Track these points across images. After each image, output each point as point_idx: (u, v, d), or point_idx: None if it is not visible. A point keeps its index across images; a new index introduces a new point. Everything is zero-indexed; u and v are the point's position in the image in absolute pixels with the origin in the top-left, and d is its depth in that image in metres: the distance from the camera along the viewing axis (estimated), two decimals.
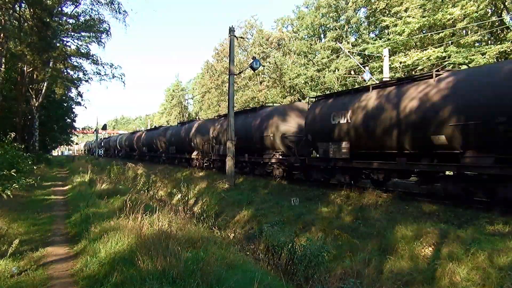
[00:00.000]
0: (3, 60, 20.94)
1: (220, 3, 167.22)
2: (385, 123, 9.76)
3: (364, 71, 22.15)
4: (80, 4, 24.73)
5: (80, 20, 25.45)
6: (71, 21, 25.51)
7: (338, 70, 34.89)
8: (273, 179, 15.14)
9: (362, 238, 7.51)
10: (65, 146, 79.74)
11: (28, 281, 4.53)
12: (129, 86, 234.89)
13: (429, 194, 9.75)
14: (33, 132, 28.64)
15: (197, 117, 58.37)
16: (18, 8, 20.99)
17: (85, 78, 30.61)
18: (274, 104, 20.13)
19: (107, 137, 67.59)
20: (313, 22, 39.62)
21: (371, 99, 10.50)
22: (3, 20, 19.38)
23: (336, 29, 38.41)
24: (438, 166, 8.94)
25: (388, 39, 26.93)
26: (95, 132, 62.88)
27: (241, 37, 25.15)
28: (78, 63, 29.96)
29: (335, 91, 32.76)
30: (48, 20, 19.78)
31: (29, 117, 29.02)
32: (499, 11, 24.02)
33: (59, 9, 23.21)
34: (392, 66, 24.81)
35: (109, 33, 26.74)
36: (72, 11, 25.27)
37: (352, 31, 39.71)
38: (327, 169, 12.65)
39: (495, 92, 7.39)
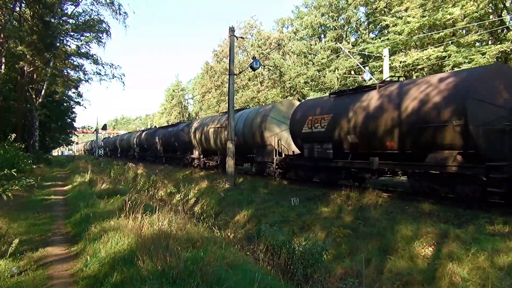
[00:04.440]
0: (3, 60, 20.96)
1: (221, 3, 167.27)
2: None
3: (364, 71, 22.16)
4: (79, 4, 24.78)
5: (80, 20, 25.48)
6: (71, 21, 25.53)
7: (338, 69, 34.92)
8: (273, 179, 15.12)
9: (362, 238, 7.51)
10: (65, 146, 79.72)
11: (28, 281, 4.53)
12: (129, 86, 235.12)
13: (429, 194, 9.74)
14: (33, 132, 28.65)
15: (197, 117, 58.27)
16: (18, 8, 21.00)
17: (85, 78, 30.63)
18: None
19: (112, 136, 66.83)
20: (312, 22, 39.64)
21: None
22: (3, 20, 19.39)
23: (336, 29, 38.43)
24: None
25: (388, 39, 26.93)
26: (95, 132, 62.85)
27: (241, 37, 25.15)
28: (78, 63, 30.01)
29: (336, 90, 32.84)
30: (48, 19, 19.79)
31: (29, 117, 29.01)
32: (499, 11, 24.02)
33: (60, 9, 23.21)
34: (392, 65, 24.82)
35: (109, 33, 26.80)
36: (73, 11, 25.34)
37: (352, 31, 39.76)
38: None
39: None
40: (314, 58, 39.03)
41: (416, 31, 24.86)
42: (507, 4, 23.64)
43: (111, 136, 65.65)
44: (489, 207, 8.03)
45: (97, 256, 5.11)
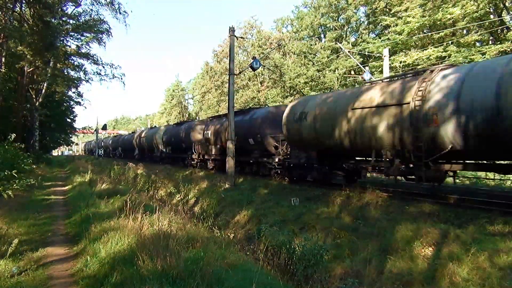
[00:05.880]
0: (3, 60, 20.96)
1: (221, 4, 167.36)
2: None
3: (364, 71, 22.16)
4: (80, 5, 24.81)
5: (81, 20, 25.50)
6: (71, 21, 25.56)
7: (338, 69, 34.95)
8: (273, 179, 15.13)
9: (362, 238, 7.50)
10: (65, 146, 79.77)
11: (28, 281, 4.53)
12: (129, 86, 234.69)
13: (429, 194, 9.75)
14: (33, 132, 28.66)
15: (197, 117, 58.21)
16: (18, 8, 21.01)
17: (85, 78, 30.63)
18: None
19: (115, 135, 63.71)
20: (312, 22, 39.68)
21: None
22: (3, 20, 19.39)
23: (336, 29, 38.47)
24: None
25: (388, 39, 26.95)
26: (95, 132, 62.82)
27: (241, 37, 25.10)
28: (78, 63, 30.02)
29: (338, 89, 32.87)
30: (48, 19, 19.80)
31: (29, 117, 29.03)
32: (499, 11, 24.03)
33: (60, 9, 23.23)
34: (392, 65, 24.83)
35: (109, 33, 26.82)
36: (73, 11, 25.37)
37: (352, 31, 39.79)
38: None
39: None
40: (314, 58, 39.06)
41: (416, 31, 24.87)
42: (507, 4, 23.65)
43: (125, 134, 61.20)
44: (490, 207, 8.04)
45: (97, 256, 5.12)
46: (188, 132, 24.81)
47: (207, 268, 3.98)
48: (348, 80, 33.92)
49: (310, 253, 5.40)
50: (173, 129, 29.21)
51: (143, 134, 37.30)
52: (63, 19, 24.75)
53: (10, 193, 7.95)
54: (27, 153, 16.84)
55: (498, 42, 22.70)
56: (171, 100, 75.75)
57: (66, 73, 30.28)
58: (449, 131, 8.09)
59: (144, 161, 34.39)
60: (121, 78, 29.88)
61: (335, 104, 11.65)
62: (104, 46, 28.01)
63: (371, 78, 22.90)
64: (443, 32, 23.61)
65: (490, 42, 24.41)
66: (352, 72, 34.29)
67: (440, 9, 23.40)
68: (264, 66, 35.45)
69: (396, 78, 10.74)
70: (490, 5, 22.92)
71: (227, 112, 17.07)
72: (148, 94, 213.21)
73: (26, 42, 20.27)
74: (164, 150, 30.07)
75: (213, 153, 20.58)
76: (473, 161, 9.01)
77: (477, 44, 24.29)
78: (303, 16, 42.32)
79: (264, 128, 15.74)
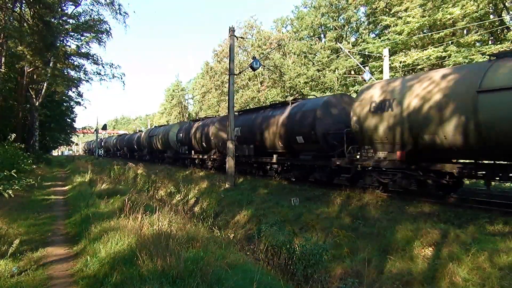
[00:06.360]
0: (3, 60, 20.97)
1: (221, 4, 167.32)
2: None
3: (364, 71, 22.15)
4: (80, 4, 24.82)
5: (81, 20, 25.53)
6: (71, 21, 25.58)
7: (338, 69, 34.98)
8: (273, 179, 15.13)
9: (362, 238, 7.50)
10: (65, 146, 79.74)
11: (28, 281, 4.53)
12: (129, 86, 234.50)
13: (429, 194, 9.74)
14: (33, 132, 28.66)
15: (197, 117, 58.08)
16: (18, 9, 21.02)
17: (85, 78, 30.63)
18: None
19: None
20: (312, 22, 39.70)
21: None
22: (3, 20, 19.40)
23: (336, 29, 38.50)
24: None
25: (388, 39, 26.96)
26: (95, 132, 62.76)
27: (241, 37, 25.05)
28: (78, 63, 30.02)
29: (336, 91, 32.79)
30: (48, 19, 19.81)
31: (29, 117, 29.03)
32: (499, 11, 24.03)
33: (60, 9, 23.23)
34: (392, 65, 24.83)
35: (109, 33, 26.83)
36: (73, 11, 25.38)
37: (352, 31, 39.82)
38: None
39: None
40: (314, 58, 39.09)
41: (416, 31, 24.89)
42: (507, 4, 23.66)
43: (131, 132, 59.19)
44: (490, 207, 8.04)
45: (97, 256, 5.11)
46: (210, 129, 20.81)
47: (207, 268, 3.98)
48: (348, 80, 33.94)
49: (310, 253, 5.40)
50: (190, 126, 24.93)
51: (152, 132, 33.24)
52: (63, 19, 24.75)
53: (10, 192, 7.94)
54: (27, 153, 16.84)
55: (498, 42, 22.70)
56: (171, 100, 75.77)
57: (66, 73, 30.25)
58: None
59: (148, 161, 33.98)
60: (121, 78, 29.94)
61: (445, 87, 8.39)
62: (104, 46, 28.08)
63: (371, 78, 22.90)
64: (443, 32, 23.62)
65: (490, 42, 24.41)
66: (352, 72, 34.31)
67: (440, 9, 23.41)
68: (264, 66, 35.45)
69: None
70: (490, 5, 22.92)
71: (227, 112, 16.99)
72: (148, 94, 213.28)
73: (26, 42, 20.27)
74: (179, 150, 26.56)
75: (247, 154, 16.97)
76: None
77: (477, 44, 24.29)
78: (303, 16, 42.34)
79: (320, 122, 12.65)
